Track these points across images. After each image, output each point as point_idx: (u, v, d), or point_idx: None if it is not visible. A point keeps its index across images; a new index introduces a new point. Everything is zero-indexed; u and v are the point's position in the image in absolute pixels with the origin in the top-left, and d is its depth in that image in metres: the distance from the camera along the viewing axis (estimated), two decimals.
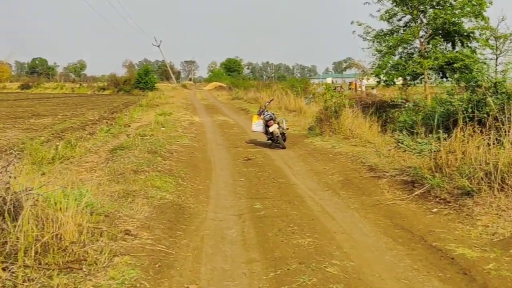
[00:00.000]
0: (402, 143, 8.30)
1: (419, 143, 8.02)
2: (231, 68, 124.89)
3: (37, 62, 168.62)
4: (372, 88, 50.68)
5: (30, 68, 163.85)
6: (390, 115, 16.95)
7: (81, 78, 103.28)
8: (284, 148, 13.48)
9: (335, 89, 58.76)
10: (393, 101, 24.33)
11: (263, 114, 14.12)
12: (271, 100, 15.58)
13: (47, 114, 27.36)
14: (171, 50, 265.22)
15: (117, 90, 64.68)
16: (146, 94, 46.25)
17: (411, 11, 26.35)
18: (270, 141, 14.04)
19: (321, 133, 14.94)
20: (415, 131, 10.92)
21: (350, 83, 57.28)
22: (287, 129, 14.20)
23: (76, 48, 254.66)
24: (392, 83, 28.63)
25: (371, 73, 29.37)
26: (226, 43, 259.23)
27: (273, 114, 14.07)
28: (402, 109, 12.55)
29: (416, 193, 7.51)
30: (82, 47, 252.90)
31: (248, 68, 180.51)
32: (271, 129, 13.47)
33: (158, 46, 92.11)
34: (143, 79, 63.69)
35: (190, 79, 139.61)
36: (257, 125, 14.20)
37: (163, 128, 16.44)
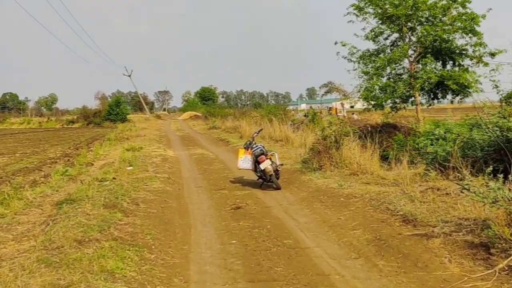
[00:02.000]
0: (467, 189, 5.81)
1: (491, 188, 5.51)
2: (205, 96, 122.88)
3: (7, 97, 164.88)
4: (353, 113, 48.96)
5: (0, 104, 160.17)
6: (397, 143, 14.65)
7: (53, 112, 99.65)
8: (279, 188, 10.93)
9: (305, 115, 56.89)
10: (391, 125, 22.16)
11: (251, 147, 11.60)
12: (259, 130, 13.04)
13: (4, 153, 24.42)
14: (144, 81, 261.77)
15: (87, 123, 61.72)
16: (116, 126, 43.40)
17: (398, 28, 24.49)
18: (260, 180, 11.50)
19: (320, 167, 12.49)
20: (451, 165, 8.51)
21: (330, 108, 55.53)
22: (281, 164, 11.66)
23: (48, 82, 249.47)
24: (380, 107, 26.72)
25: (359, 97, 27.40)
26: (199, 72, 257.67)
27: (263, 147, 11.52)
28: (429, 138, 10.12)
29: (500, 265, 5.00)
30: (53, 81, 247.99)
31: (222, 97, 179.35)
32: (262, 166, 10.91)
33: (129, 75, 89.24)
34: (114, 110, 60.84)
35: (164, 109, 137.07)
36: (245, 161, 11.65)
37: (130, 168, 13.75)
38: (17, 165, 18.60)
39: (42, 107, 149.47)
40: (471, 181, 6.18)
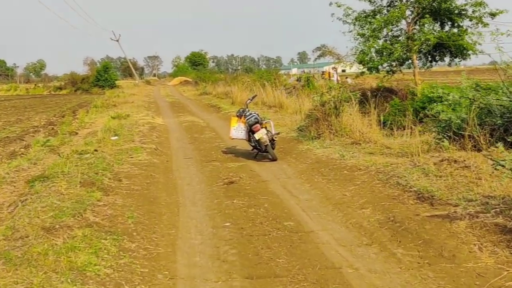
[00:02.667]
0: (503, 165, 4.98)
1: None
2: (196, 62, 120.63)
3: None
4: (346, 78, 47.88)
5: None
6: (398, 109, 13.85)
7: (41, 78, 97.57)
8: (275, 160, 10.09)
9: (298, 79, 55.86)
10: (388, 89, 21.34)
11: (245, 115, 10.68)
12: (253, 97, 12.03)
13: None
14: (134, 47, 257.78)
15: (74, 89, 60.10)
16: (104, 93, 42.13)
17: None
18: (255, 151, 10.66)
19: (318, 136, 11.66)
20: (467, 133, 7.68)
21: (323, 73, 54.38)
22: (278, 133, 10.75)
23: (36, 48, 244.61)
24: (376, 70, 25.88)
25: (354, 60, 26.49)
26: (189, 37, 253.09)
27: (258, 115, 10.59)
28: (440, 103, 9.24)
29: None
30: (42, 47, 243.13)
31: (213, 62, 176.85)
32: (257, 136, 10.02)
33: (117, 40, 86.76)
34: (103, 76, 59.18)
35: (154, 75, 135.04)
36: (237, 130, 10.75)
37: (115, 138, 12.82)
38: None
39: (31, 74, 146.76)
40: (506, 156, 5.31)
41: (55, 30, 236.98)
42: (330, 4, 24.25)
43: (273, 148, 10.31)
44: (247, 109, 10.96)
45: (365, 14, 25.65)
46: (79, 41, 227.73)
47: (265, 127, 10.28)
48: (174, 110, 25.19)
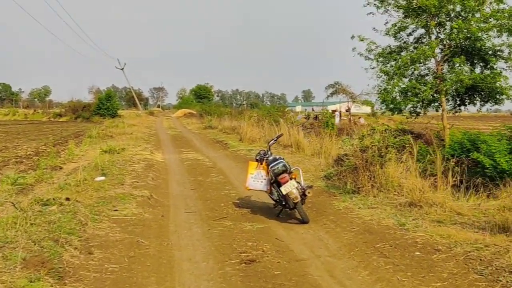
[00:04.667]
0: None
1: None
2: (201, 94, 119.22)
3: (0, 87, 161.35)
4: (359, 117, 45.74)
5: None
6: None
7: (45, 104, 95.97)
8: (306, 222, 7.56)
9: (316, 117, 53.83)
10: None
11: (267, 160, 8.19)
12: (278, 136, 9.38)
13: None
14: (140, 78, 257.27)
15: (75, 117, 58.05)
16: (103, 122, 39.86)
17: (425, 23, 21.13)
18: (278, 207, 8.14)
19: (357, 189, 9.15)
20: None
21: (333, 111, 52.35)
22: (311, 187, 8.14)
23: (42, 74, 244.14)
24: (399, 111, 23.52)
25: (377, 99, 24.13)
26: (195, 70, 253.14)
27: (284, 160, 8.06)
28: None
29: None
30: (48, 73, 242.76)
31: (218, 96, 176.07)
32: (285, 190, 7.48)
33: (122, 69, 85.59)
34: (104, 104, 57.11)
35: (158, 106, 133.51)
36: (257, 179, 8.23)
37: (101, 179, 10.33)
38: None
39: (35, 99, 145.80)
40: None
41: (61, 56, 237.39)
42: (352, 37, 22.13)
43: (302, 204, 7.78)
44: (269, 152, 8.48)
45: (389, 50, 23.48)
46: (86, 69, 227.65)
47: (294, 178, 7.76)
48: (176, 145, 22.70)
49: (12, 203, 6.90)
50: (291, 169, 7.95)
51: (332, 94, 36.93)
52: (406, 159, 9.49)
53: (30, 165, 15.40)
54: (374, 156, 9.23)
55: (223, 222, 7.72)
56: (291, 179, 7.59)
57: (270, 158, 8.21)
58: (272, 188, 8.11)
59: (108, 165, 12.43)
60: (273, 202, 8.34)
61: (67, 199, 7.44)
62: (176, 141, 25.41)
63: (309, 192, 7.67)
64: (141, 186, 9.98)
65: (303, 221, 7.57)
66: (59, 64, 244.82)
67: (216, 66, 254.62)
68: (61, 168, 14.56)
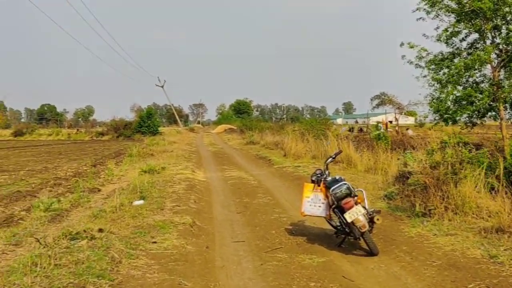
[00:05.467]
0: None
1: None
2: (240, 110, 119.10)
3: (45, 108, 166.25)
4: (407, 129, 43.96)
5: (38, 115, 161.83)
6: None
7: (88, 124, 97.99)
8: (375, 254, 6.40)
9: (360, 130, 52.20)
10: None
11: (325, 181, 7.10)
12: (337, 153, 8.20)
13: (9, 169, 20.71)
14: (180, 94, 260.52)
15: (117, 135, 58.45)
16: (143, 140, 39.58)
17: (480, 27, 19.58)
18: (340, 236, 7.00)
19: (428, 212, 7.93)
20: None
21: (379, 123, 50.73)
22: (379, 212, 6.93)
23: (86, 94, 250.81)
24: (453, 121, 21.88)
25: (429, 110, 22.60)
26: (234, 86, 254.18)
27: (346, 181, 6.93)
28: None
29: None
30: (91, 93, 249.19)
31: (257, 110, 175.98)
32: (349, 217, 6.34)
33: (162, 86, 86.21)
34: (146, 122, 57.31)
35: (198, 122, 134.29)
36: (314, 203, 7.12)
37: (139, 202, 9.47)
38: (11, 187, 14.72)
39: (79, 119, 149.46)
40: None
41: (105, 78, 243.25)
42: (401, 45, 20.82)
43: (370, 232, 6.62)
44: (326, 172, 7.37)
45: (441, 57, 22.06)
46: (128, 88, 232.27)
47: (360, 202, 6.62)
48: (218, 162, 21.82)
49: (36, 238, 6.03)
50: (355, 192, 6.81)
51: (378, 105, 35.48)
52: (479, 175, 8.23)
53: (68, 187, 14.80)
54: (447, 174, 8.00)
55: (277, 254, 6.65)
56: (356, 204, 6.46)
57: (329, 178, 7.11)
58: (333, 214, 7.00)
59: (148, 187, 11.59)
60: (332, 228, 7.22)
61: (100, 230, 6.54)
62: (218, 158, 24.56)
63: (378, 219, 6.50)
64: (183, 211, 9.03)
65: (372, 253, 6.42)
66: (102, 84, 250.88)
67: (254, 80, 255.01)
68: (99, 190, 13.87)
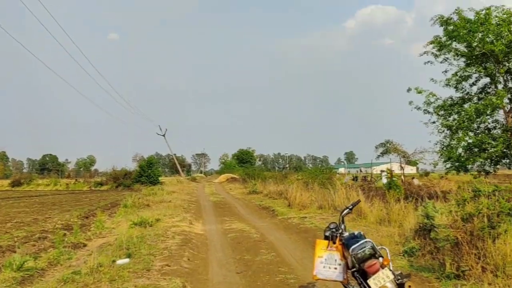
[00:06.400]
0: None
1: None
2: (243, 159, 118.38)
3: (47, 158, 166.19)
4: (413, 178, 42.60)
5: (40, 165, 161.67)
6: None
7: (89, 174, 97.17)
8: None
9: (364, 179, 50.60)
10: None
11: (341, 235, 5.83)
12: (354, 204, 6.88)
13: None
14: (183, 145, 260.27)
15: (116, 185, 57.33)
16: (141, 190, 38.33)
17: (492, 71, 18.76)
18: None
19: (462, 273, 6.62)
20: None
21: (383, 171, 49.47)
22: (408, 276, 5.64)
23: (88, 144, 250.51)
24: (464, 169, 20.69)
25: (440, 157, 21.56)
26: (237, 136, 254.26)
27: (369, 238, 5.67)
28: None
29: None
30: (93, 143, 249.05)
31: (260, 160, 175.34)
32: (376, 283, 5.01)
33: (163, 135, 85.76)
34: (146, 172, 56.16)
35: (201, 172, 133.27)
36: (328, 264, 5.81)
37: (123, 261, 8.18)
38: None
39: (81, 169, 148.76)
40: None
41: (107, 127, 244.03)
42: (409, 90, 19.99)
43: None
44: (342, 225, 6.10)
45: (451, 102, 21.05)
46: (130, 138, 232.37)
47: (387, 265, 5.34)
48: (219, 213, 20.47)
49: None
50: (380, 251, 5.54)
51: (382, 153, 34.26)
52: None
53: (54, 241, 13.52)
54: (483, 228, 6.74)
55: None
56: (382, 266, 5.19)
57: (346, 234, 5.84)
58: (351, 278, 5.71)
59: (137, 242, 10.32)
60: None
61: None
62: (219, 208, 23.22)
63: (409, 286, 5.21)
64: (173, 272, 7.72)
65: None
66: (104, 133, 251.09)
67: (257, 130, 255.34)
68: (85, 245, 12.59)
